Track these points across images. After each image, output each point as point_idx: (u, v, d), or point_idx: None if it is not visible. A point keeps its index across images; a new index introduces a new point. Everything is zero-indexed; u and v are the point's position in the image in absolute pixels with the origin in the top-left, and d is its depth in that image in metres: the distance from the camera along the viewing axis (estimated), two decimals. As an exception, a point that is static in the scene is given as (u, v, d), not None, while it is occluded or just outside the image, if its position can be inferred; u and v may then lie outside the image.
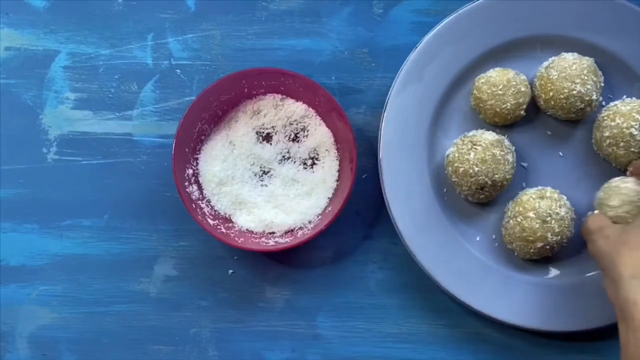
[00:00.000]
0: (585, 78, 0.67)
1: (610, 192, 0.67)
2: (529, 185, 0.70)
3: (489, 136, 0.67)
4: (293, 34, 0.73)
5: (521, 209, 0.67)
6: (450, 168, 0.68)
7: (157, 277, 0.72)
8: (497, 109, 0.68)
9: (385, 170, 0.69)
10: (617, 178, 0.68)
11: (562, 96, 0.67)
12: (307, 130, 0.70)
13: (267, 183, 0.70)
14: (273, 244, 0.68)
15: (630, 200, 0.66)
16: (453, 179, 0.68)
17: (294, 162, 0.71)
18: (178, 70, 0.73)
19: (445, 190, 0.70)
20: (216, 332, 0.71)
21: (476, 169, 0.66)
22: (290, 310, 0.71)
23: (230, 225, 0.69)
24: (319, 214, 0.69)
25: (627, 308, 0.56)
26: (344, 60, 0.72)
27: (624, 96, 0.70)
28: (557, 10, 0.70)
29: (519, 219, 0.67)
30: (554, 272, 0.70)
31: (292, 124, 0.70)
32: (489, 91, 0.68)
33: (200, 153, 0.70)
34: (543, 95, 0.68)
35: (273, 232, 0.69)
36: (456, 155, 0.68)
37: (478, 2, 0.69)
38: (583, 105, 0.68)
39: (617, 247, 0.60)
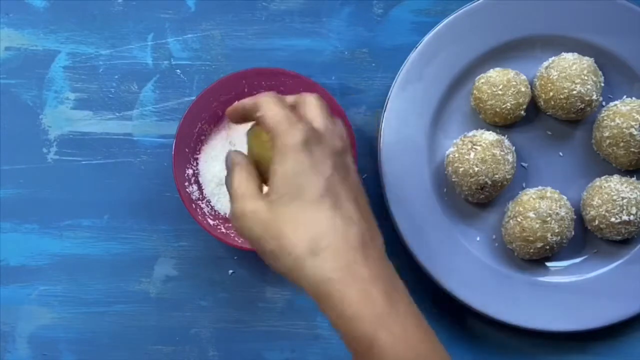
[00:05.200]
0: (585, 78, 0.67)
1: (592, 191, 0.68)
2: (529, 185, 0.70)
3: (489, 136, 0.67)
4: (293, 34, 0.73)
5: (521, 209, 0.67)
6: (450, 168, 0.68)
7: (157, 277, 0.72)
8: (497, 109, 0.68)
9: (385, 170, 0.69)
10: (600, 178, 0.68)
11: (562, 96, 0.67)
12: (307, 130, 0.70)
13: (267, 183, 0.70)
14: (273, 244, 0.68)
15: (611, 199, 0.66)
16: (453, 179, 0.68)
17: (294, 162, 0.70)
18: (178, 70, 0.73)
19: (445, 190, 0.70)
20: (216, 332, 0.71)
21: (476, 169, 0.66)
22: (290, 310, 0.71)
23: (230, 225, 0.69)
24: (319, 214, 0.69)
25: (320, 287, 0.53)
26: (344, 60, 0.73)
27: (624, 96, 0.70)
28: (557, 10, 0.70)
29: (519, 219, 0.67)
30: (554, 272, 0.70)
31: (292, 124, 0.70)
32: (489, 91, 0.68)
33: (200, 153, 0.70)
34: (543, 95, 0.69)
35: (273, 232, 0.69)
36: (456, 155, 0.68)
37: (478, 2, 0.69)
38: (583, 105, 0.68)
39: (275, 229, 0.54)
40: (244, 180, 0.56)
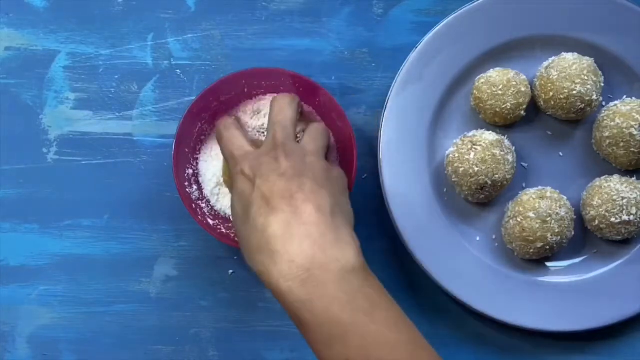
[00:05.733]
0: (585, 78, 0.67)
1: (592, 191, 0.68)
2: (529, 185, 0.70)
3: (489, 136, 0.67)
4: (293, 34, 0.73)
5: (521, 209, 0.67)
6: (450, 168, 0.68)
7: (157, 277, 0.72)
8: (497, 109, 0.68)
9: (385, 170, 0.69)
10: (600, 178, 0.68)
11: (562, 96, 0.67)
12: (307, 130, 0.70)
13: (267, 183, 0.70)
14: (273, 244, 0.68)
15: (611, 199, 0.66)
16: (453, 179, 0.68)
17: (294, 162, 0.70)
18: (178, 70, 0.73)
19: (445, 190, 0.70)
20: (216, 332, 0.71)
21: (476, 169, 0.66)
22: (290, 310, 0.71)
23: (230, 225, 0.69)
24: (319, 214, 0.69)
25: (262, 280, 0.58)
26: (344, 60, 0.73)
27: (624, 96, 0.70)
28: (557, 10, 0.70)
29: (519, 219, 0.67)
30: (554, 272, 0.70)
31: (292, 124, 0.70)
32: (489, 91, 0.68)
33: (200, 153, 0.70)
34: (543, 96, 0.68)
35: (273, 232, 0.69)
36: (456, 155, 0.68)
37: (478, 2, 0.69)
38: (583, 105, 0.68)
39: (241, 245, 0.61)
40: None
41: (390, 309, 0.57)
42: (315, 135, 0.65)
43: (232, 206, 0.62)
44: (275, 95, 0.69)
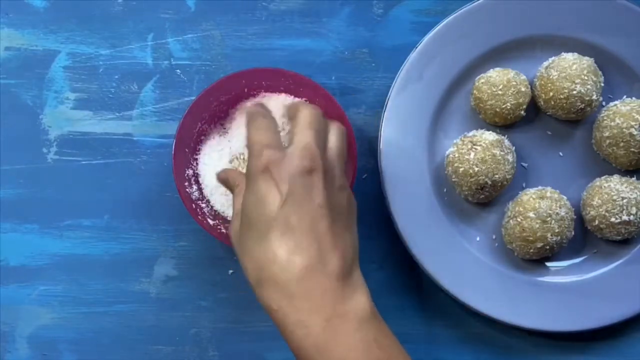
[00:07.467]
0: (585, 78, 0.67)
1: (592, 191, 0.68)
2: (529, 185, 0.70)
3: (489, 136, 0.67)
4: (293, 34, 0.73)
5: (521, 209, 0.67)
6: (450, 168, 0.68)
7: (157, 277, 0.72)
8: (497, 109, 0.68)
9: (385, 170, 0.69)
10: (600, 178, 0.69)
11: (562, 96, 0.67)
12: (307, 130, 0.70)
13: (267, 183, 0.70)
14: (273, 244, 0.68)
15: (611, 199, 0.66)
16: (453, 179, 0.68)
17: (294, 162, 0.70)
18: (178, 70, 0.73)
19: (445, 190, 0.70)
20: (216, 332, 0.71)
21: (476, 169, 0.66)
22: (290, 310, 0.71)
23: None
24: (319, 214, 0.69)
25: (270, 316, 0.56)
26: (344, 60, 0.73)
27: (624, 96, 0.70)
28: (557, 10, 0.70)
29: (519, 219, 0.67)
30: (554, 272, 0.70)
31: (292, 124, 0.70)
32: (489, 91, 0.68)
33: (200, 153, 0.70)
34: (543, 96, 0.69)
35: (273, 232, 0.69)
36: (456, 155, 0.68)
37: (478, 2, 0.69)
38: (583, 105, 0.68)
39: (239, 256, 0.58)
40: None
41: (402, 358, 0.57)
42: (342, 142, 0.61)
43: (244, 206, 0.57)
44: (304, 101, 0.68)
